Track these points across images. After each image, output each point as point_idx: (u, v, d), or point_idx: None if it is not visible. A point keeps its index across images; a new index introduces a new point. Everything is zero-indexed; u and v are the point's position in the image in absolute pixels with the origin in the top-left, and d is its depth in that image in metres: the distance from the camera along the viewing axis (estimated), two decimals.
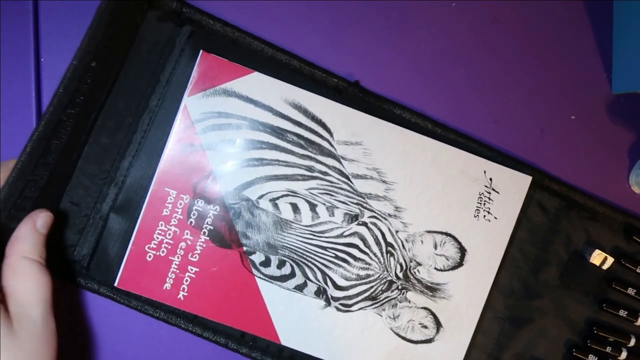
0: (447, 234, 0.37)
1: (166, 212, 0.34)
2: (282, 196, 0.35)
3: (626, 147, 0.40)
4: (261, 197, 0.35)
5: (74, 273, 0.34)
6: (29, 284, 0.29)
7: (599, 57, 0.40)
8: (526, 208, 0.37)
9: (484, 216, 0.37)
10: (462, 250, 0.37)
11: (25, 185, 0.30)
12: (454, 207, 0.37)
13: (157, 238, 0.35)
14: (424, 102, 0.37)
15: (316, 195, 0.35)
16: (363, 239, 0.36)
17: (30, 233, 0.30)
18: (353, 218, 0.36)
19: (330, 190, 0.36)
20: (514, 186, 0.37)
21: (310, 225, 0.35)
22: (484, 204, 0.37)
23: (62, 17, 0.33)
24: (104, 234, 0.34)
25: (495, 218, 0.37)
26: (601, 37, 0.39)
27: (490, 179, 0.37)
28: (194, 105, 0.34)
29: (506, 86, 0.38)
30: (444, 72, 0.38)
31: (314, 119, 0.35)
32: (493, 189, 0.37)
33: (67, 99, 0.30)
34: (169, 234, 0.35)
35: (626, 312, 0.39)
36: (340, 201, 0.36)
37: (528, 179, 0.37)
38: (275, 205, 0.35)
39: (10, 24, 0.33)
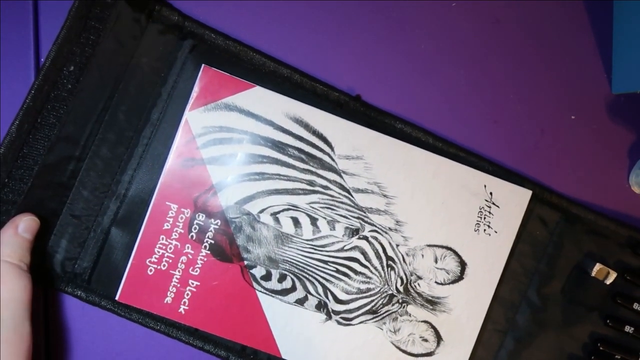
0: (447, 248, 0.37)
1: (167, 226, 0.34)
2: (283, 210, 0.35)
3: (626, 147, 0.40)
4: (262, 211, 0.35)
5: (74, 285, 0.34)
6: (3, 287, 0.29)
7: (599, 57, 0.39)
8: (526, 222, 0.38)
9: (484, 230, 0.37)
10: (463, 264, 0.37)
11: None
12: (454, 221, 0.37)
13: (158, 252, 0.35)
14: (423, 103, 0.38)
15: (317, 210, 0.35)
16: (364, 253, 0.36)
17: (11, 237, 0.30)
18: (354, 232, 0.36)
19: (331, 205, 0.36)
20: (514, 200, 0.37)
21: (311, 240, 0.35)
22: (484, 218, 0.37)
23: (62, 17, 0.32)
24: (105, 248, 0.34)
25: (496, 232, 0.37)
26: (601, 37, 0.39)
27: (491, 193, 0.37)
28: (196, 120, 0.34)
29: (506, 86, 0.38)
30: (444, 72, 0.38)
31: (315, 133, 0.35)
32: (493, 203, 0.37)
33: (39, 102, 0.32)
34: (170, 248, 0.35)
35: (632, 329, 0.39)
36: (341, 215, 0.36)
37: (528, 193, 0.37)
38: (276, 220, 0.35)
39: (10, 24, 0.34)
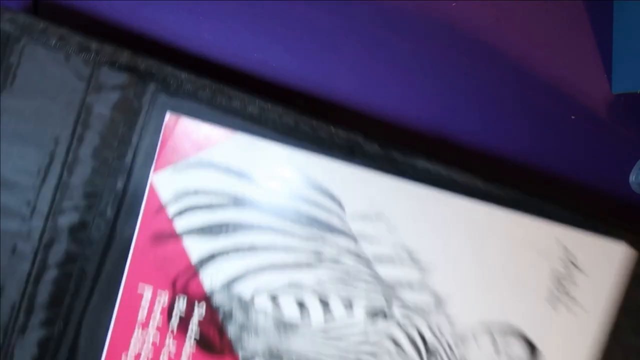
0: (510, 329, 0.27)
1: (142, 315, 0.28)
2: (283, 291, 0.27)
3: (626, 147, 0.39)
4: (256, 293, 0.27)
5: None
6: None
7: (599, 57, 0.39)
8: (631, 288, 0.27)
9: (563, 302, 0.27)
10: (534, 350, 0.27)
11: None
12: (517, 292, 0.27)
13: (134, 347, 0.28)
14: (423, 103, 0.37)
15: (327, 288, 0.27)
16: (395, 342, 0.27)
17: None
18: (378, 314, 0.27)
19: (346, 281, 0.27)
20: (604, 259, 0.27)
21: (323, 329, 0.27)
22: (562, 285, 0.27)
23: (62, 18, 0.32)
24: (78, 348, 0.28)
25: (579, 305, 0.27)
26: (601, 37, 0.39)
27: (570, 252, 0.27)
28: (163, 183, 0.27)
29: (506, 86, 0.38)
30: (444, 72, 0.37)
31: (318, 188, 0.27)
32: (573, 264, 0.27)
33: None
34: (148, 342, 0.28)
35: None
36: (359, 294, 0.27)
37: (621, 247, 0.27)
38: (276, 303, 0.27)
39: None
